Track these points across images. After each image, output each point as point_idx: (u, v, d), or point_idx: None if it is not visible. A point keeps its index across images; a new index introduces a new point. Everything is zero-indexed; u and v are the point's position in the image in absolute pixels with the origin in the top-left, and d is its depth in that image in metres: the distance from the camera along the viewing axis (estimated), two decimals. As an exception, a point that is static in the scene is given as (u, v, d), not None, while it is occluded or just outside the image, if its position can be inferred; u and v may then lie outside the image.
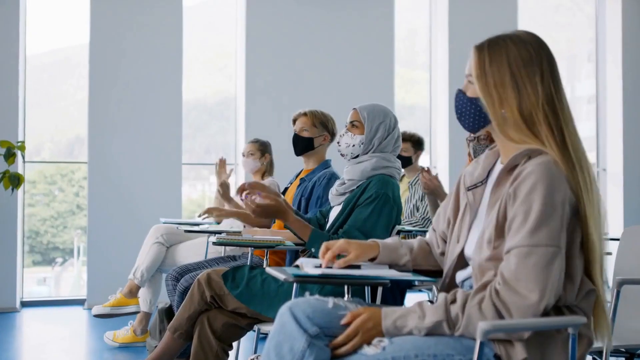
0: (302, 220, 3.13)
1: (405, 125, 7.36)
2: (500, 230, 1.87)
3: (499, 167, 2.05)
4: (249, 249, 3.85)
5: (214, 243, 3.25)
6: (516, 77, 1.92)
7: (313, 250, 3.10)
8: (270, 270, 2.25)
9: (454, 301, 1.84)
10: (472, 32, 7.21)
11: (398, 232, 3.22)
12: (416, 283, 2.86)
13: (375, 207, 3.08)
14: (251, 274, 3.11)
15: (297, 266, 2.28)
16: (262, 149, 4.98)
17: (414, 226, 4.84)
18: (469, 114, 2.01)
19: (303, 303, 1.96)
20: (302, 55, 6.78)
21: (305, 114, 4.01)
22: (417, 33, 8.13)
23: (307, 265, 2.24)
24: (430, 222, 4.90)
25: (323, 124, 3.99)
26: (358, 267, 2.24)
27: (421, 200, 4.86)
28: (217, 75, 7.87)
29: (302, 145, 3.96)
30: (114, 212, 6.29)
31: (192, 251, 4.75)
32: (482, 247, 1.91)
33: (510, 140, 1.95)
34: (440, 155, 7.33)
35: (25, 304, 6.36)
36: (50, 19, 7.20)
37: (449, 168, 7.17)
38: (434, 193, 4.27)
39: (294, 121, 4.05)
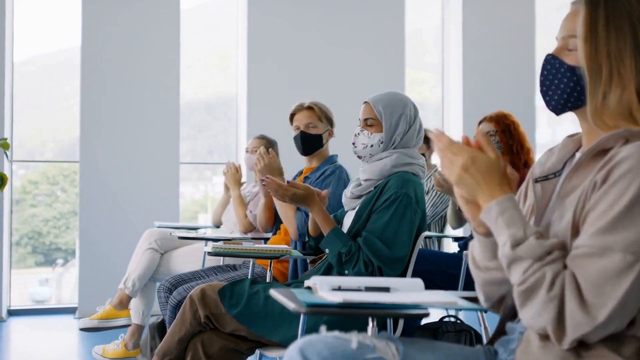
0: (327, 213, 2.66)
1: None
2: (577, 229, 1.37)
3: (578, 156, 1.52)
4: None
5: (209, 253, 2.72)
6: (637, 49, 1.39)
7: (327, 251, 2.59)
8: (276, 295, 1.71)
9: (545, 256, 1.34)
10: (487, 32, 6.73)
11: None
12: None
13: (396, 211, 2.54)
14: (252, 290, 2.57)
15: (310, 288, 1.75)
16: (267, 145, 4.44)
17: None
18: (563, 86, 1.47)
19: (318, 343, 1.42)
20: (305, 55, 6.28)
21: (310, 108, 3.46)
22: (421, 34, 7.75)
23: (323, 287, 1.70)
24: (441, 217, 4.40)
25: (328, 117, 3.47)
26: (387, 289, 1.71)
27: (426, 193, 4.34)
28: (220, 75, 7.51)
29: (311, 144, 3.43)
30: (107, 215, 5.75)
31: (188, 258, 4.20)
32: None
33: (603, 129, 1.42)
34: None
35: (12, 313, 5.81)
36: (52, 20, 6.78)
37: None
38: (450, 192, 3.74)
39: (292, 116, 3.50)
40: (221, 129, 7.30)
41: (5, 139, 4.75)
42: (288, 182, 2.67)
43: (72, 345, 4.93)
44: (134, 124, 5.87)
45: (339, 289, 1.68)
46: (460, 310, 1.55)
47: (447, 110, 7.05)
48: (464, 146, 1.42)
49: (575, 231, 1.38)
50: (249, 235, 4.25)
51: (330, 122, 3.48)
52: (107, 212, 5.76)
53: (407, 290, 1.71)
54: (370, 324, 1.63)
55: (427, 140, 4.87)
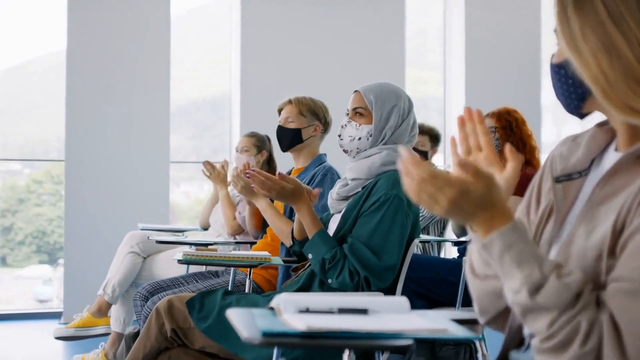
0: (315, 215, 2.40)
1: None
2: (614, 250, 1.09)
3: (612, 154, 1.20)
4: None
5: (179, 261, 2.40)
6: (614, 15, 1.10)
7: (310, 256, 2.29)
8: (232, 317, 1.40)
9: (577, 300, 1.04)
10: (491, 30, 6.45)
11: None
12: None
13: (385, 214, 2.24)
14: (224, 302, 2.26)
15: (273, 308, 1.44)
16: (258, 144, 4.13)
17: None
18: (562, 88, 1.20)
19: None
20: (302, 54, 5.99)
21: (290, 102, 3.26)
22: (425, 33, 7.58)
23: (288, 308, 1.38)
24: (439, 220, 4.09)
25: (312, 111, 3.21)
26: (364, 311, 1.39)
27: None
28: (225, 75, 7.45)
29: (288, 139, 3.20)
30: (94, 217, 5.45)
31: (172, 263, 3.82)
32: (582, 266, 1.11)
33: (627, 113, 1.10)
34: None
35: (-6, 318, 5.53)
36: (57, 21, 6.62)
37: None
38: None
39: (279, 112, 3.30)
40: (225, 128, 7.24)
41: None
42: (279, 173, 2.37)
43: (57, 353, 4.64)
44: (122, 124, 5.60)
45: (307, 310, 1.37)
46: (452, 339, 1.24)
47: (449, 110, 6.77)
48: (449, 179, 1.08)
49: (611, 252, 1.07)
50: (238, 238, 3.95)
51: (316, 116, 3.21)
52: (94, 213, 5.47)
53: (388, 312, 1.40)
54: (347, 353, 1.32)
55: (436, 139, 4.58)
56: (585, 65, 1.11)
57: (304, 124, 3.20)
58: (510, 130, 3.58)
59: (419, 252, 4.03)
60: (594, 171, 1.21)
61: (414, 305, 3.17)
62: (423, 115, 7.23)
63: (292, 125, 3.20)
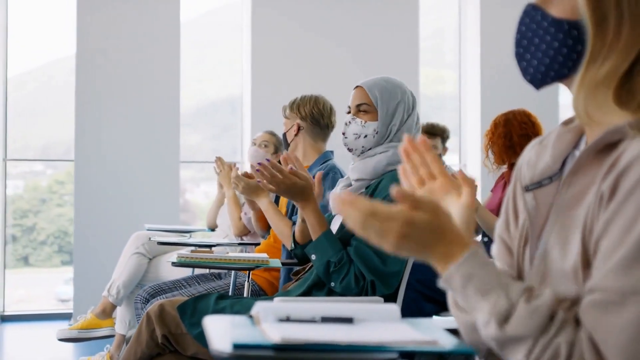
0: (322, 214, 2.24)
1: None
2: (589, 260, 0.98)
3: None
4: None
5: (173, 264, 2.29)
6: None
7: (313, 257, 2.15)
8: (208, 325, 1.29)
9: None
10: (506, 28, 6.24)
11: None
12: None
13: None
14: (217, 306, 2.15)
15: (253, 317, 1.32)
16: (277, 144, 4.03)
17: None
18: (545, 47, 1.03)
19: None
20: (314, 57, 5.88)
21: None
22: (443, 32, 7.46)
23: (267, 317, 1.26)
24: None
25: (293, 111, 3.11)
26: (349, 320, 1.27)
27: None
28: (245, 75, 7.48)
29: (285, 145, 3.18)
30: (104, 217, 5.37)
31: (178, 264, 3.79)
32: (560, 282, 1.00)
33: (597, 112, 0.99)
34: (471, 157, 6.35)
35: (6, 319, 5.44)
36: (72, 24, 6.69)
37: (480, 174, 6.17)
38: None
39: None
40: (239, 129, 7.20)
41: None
42: (291, 168, 2.22)
43: (64, 355, 4.55)
44: (131, 124, 5.52)
45: (287, 319, 1.25)
46: (440, 353, 1.12)
47: (464, 108, 6.63)
48: (390, 213, 0.97)
49: (587, 263, 0.96)
50: (245, 239, 3.83)
51: (298, 115, 3.10)
52: (104, 214, 5.39)
53: (376, 321, 1.27)
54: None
55: (447, 139, 4.45)
56: (601, 40, 0.97)
57: (287, 127, 3.14)
58: (492, 135, 3.34)
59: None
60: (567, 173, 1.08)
61: (423, 309, 3.01)
62: (439, 115, 7.09)
63: (284, 130, 3.18)
